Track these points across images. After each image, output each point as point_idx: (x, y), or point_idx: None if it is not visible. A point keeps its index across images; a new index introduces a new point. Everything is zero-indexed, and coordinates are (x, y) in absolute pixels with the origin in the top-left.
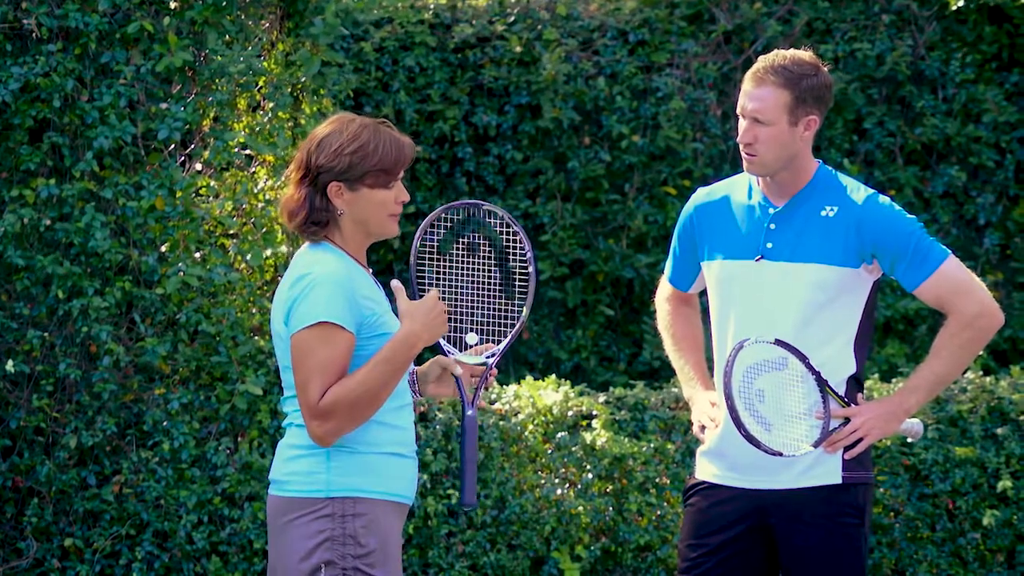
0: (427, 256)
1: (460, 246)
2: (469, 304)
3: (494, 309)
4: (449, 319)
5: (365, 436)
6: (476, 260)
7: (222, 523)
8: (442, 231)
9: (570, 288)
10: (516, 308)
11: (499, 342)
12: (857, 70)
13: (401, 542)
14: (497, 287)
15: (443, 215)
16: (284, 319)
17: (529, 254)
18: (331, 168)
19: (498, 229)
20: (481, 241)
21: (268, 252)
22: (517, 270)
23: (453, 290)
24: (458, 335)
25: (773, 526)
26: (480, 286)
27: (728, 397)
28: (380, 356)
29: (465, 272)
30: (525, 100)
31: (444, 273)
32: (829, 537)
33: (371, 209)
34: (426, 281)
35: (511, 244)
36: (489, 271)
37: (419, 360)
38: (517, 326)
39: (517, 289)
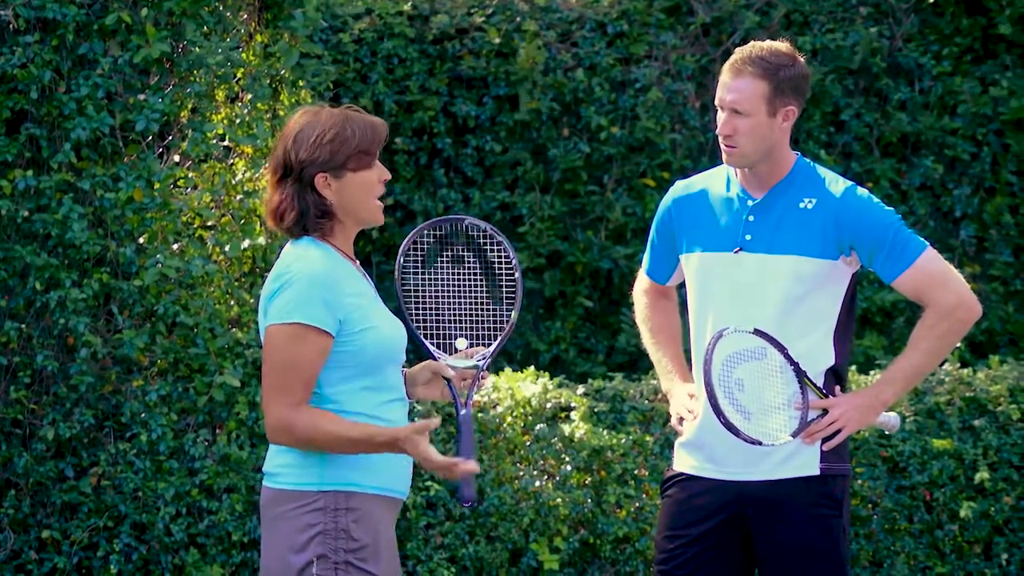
0: (411, 269)
1: (445, 258)
2: (458, 311)
3: (483, 314)
4: (438, 324)
5: None
6: (462, 271)
7: (200, 515)
8: (425, 246)
9: (548, 279)
10: (505, 312)
11: (489, 345)
12: (834, 62)
13: (395, 537)
14: (484, 294)
15: (425, 231)
16: (264, 312)
17: (515, 262)
18: (314, 160)
19: (481, 241)
20: (466, 253)
21: (246, 243)
22: (504, 278)
23: (441, 297)
24: (448, 340)
25: (750, 517)
26: (468, 294)
27: (708, 385)
28: (361, 431)
29: (452, 281)
30: (504, 91)
31: (431, 283)
32: (806, 528)
33: (359, 193)
34: (411, 291)
35: (496, 255)
36: (476, 280)
37: (408, 363)
38: (506, 330)
39: (505, 294)
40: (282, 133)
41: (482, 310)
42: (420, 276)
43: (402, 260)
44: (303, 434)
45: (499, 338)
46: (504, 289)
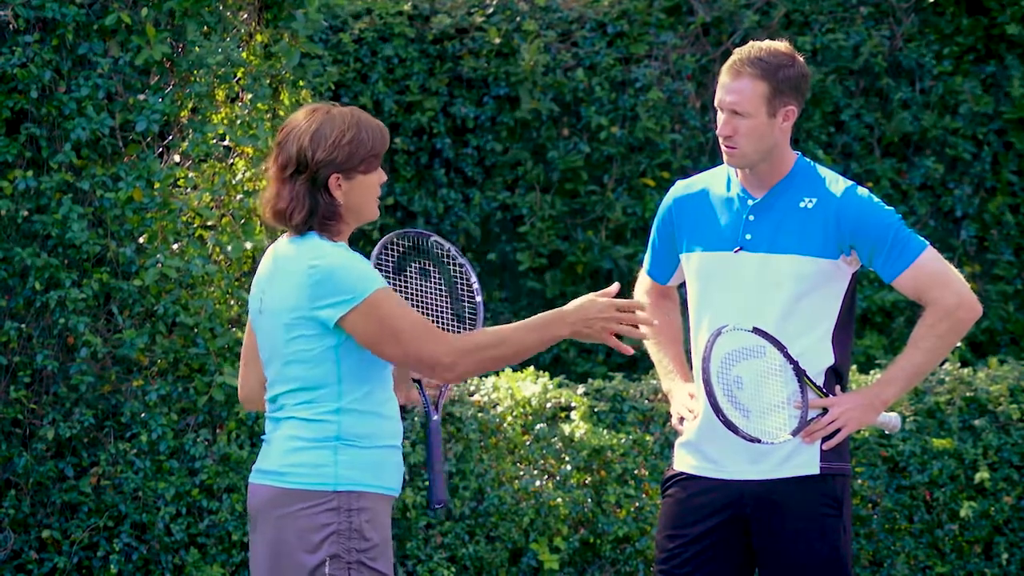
0: (383, 274)
1: (412, 270)
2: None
3: (450, 329)
4: None
5: (368, 430)
6: (428, 285)
7: (200, 515)
8: (395, 255)
9: (549, 279)
10: (467, 330)
11: None
12: (834, 62)
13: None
14: (449, 312)
15: (394, 240)
16: (310, 306)
17: (475, 286)
18: (331, 161)
19: (445, 260)
20: (432, 268)
21: (248, 245)
22: (465, 300)
23: (412, 304)
24: None
25: (750, 516)
26: (435, 308)
27: (707, 383)
28: (530, 322)
29: (421, 293)
30: (504, 91)
31: (401, 292)
32: (805, 528)
33: (365, 195)
34: None
35: (458, 276)
36: (442, 295)
37: None
38: None
39: (467, 317)
40: (291, 130)
41: (449, 325)
42: (392, 281)
43: (373, 263)
44: (487, 344)
45: None
46: (467, 309)
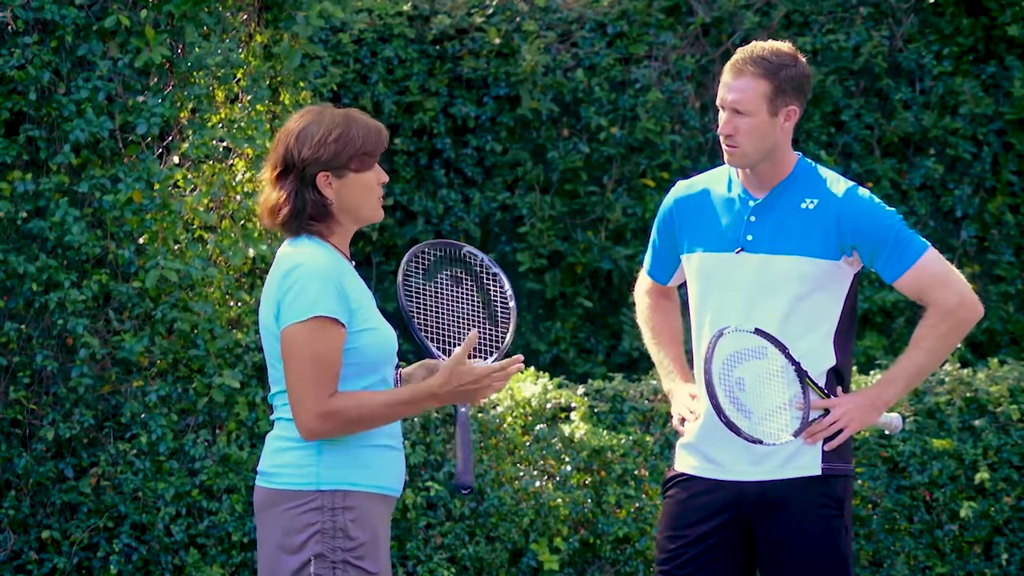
0: (414, 275)
1: (445, 277)
2: (458, 322)
3: (481, 332)
4: (439, 330)
5: None
6: (460, 290)
7: (200, 515)
8: (426, 263)
9: (549, 280)
10: (500, 333)
11: (485, 359)
12: (834, 62)
13: (389, 534)
14: (481, 315)
15: (425, 250)
16: (275, 314)
17: (509, 291)
18: (317, 159)
19: (478, 270)
20: (464, 276)
21: (251, 252)
22: (499, 306)
23: (442, 311)
24: (449, 349)
25: (752, 517)
26: (466, 312)
27: (708, 384)
28: (402, 396)
29: (452, 298)
30: (504, 92)
31: (433, 296)
32: (807, 529)
33: (360, 194)
34: (413, 296)
35: (491, 285)
36: (473, 302)
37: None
38: (502, 349)
39: (500, 319)
40: (283, 131)
41: (481, 327)
42: (423, 285)
43: (405, 267)
44: (352, 414)
45: (495, 355)
46: (499, 313)
